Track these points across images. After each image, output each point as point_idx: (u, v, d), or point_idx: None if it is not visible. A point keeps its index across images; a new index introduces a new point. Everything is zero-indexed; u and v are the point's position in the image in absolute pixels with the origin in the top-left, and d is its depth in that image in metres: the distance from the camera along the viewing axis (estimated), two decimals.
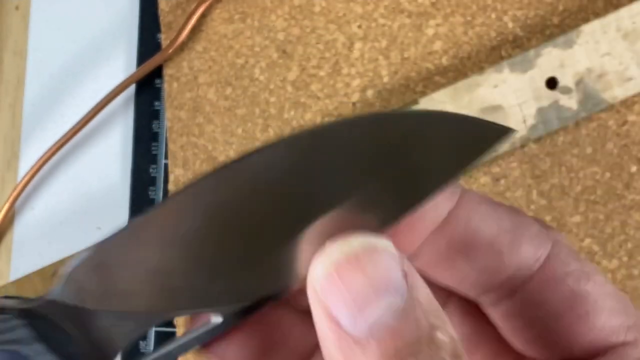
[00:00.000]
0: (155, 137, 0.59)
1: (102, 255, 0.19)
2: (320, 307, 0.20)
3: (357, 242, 0.20)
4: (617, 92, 0.51)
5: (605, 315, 0.22)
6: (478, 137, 0.21)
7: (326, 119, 0.55)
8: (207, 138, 0.57)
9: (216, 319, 0.21)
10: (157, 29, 0.59)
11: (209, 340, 0.22)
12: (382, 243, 0.20)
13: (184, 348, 0.21)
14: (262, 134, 0.56)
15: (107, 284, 0.19)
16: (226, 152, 0.56)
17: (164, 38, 0.59)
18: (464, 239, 0.23)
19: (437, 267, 0.23)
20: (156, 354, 0.21)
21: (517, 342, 0.24)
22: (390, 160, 0.20)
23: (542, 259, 0.23)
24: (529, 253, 0.23)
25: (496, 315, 0.24)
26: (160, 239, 0.19)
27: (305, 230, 0.20)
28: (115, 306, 0.19)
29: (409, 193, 0.21)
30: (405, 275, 0.20)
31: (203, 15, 0.58)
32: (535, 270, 0.23)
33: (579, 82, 0.51)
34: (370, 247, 0.20)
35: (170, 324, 0.55)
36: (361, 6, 0.56)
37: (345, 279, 0.20)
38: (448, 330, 0.19)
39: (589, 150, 0.52)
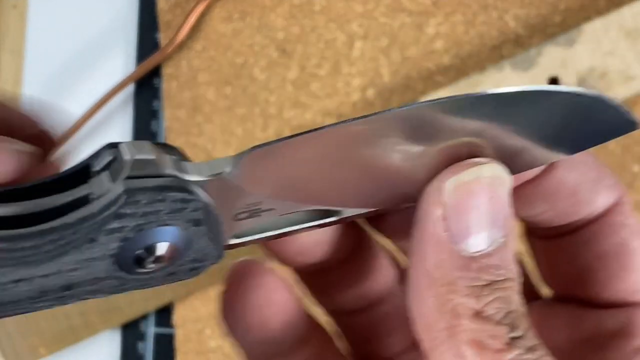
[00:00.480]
0: (154, 136, 0.58)
1: (276, 149, 0.21)
2: (437, 212, 0.21)
3: (489, 169, 0.21)
4: (620, 92, 0.51)
5: None
6: (610, 124, 0.23)
7: (326, 119, 0.55)
8: (207, 138, 0.57)
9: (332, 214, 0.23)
10: (156, 28, 0.59)
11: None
12: (507, 178, 0.22)
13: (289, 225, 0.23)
14: (262, 134, 0.56)
15: (276, 174, 0.21)
16: (225, 152, 0.56)
17: (163, 37, 0.58)
18: (549, 185, 0.24)
19: (515, 204, 0.25)
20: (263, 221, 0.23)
21: (551, 275, 0.27)
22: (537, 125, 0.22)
23: (609, 207, 0.25)
24: (603, 202, 0.25)
25: (543, 247, 0.26)
26: (321, 153, 0.21)
27: (435, 148, 0.22)
28: (278, 194, 0.22)
29: (529, 155, 0.22)
30: (509, 217, 0.22)
31: (202, 14, 0.57)
32: (599, 215, 0.25)
33: (581, 82, 0.51)
34: (498, 179, 0.22)
35: (169, 324, 0.55)
36: (362, 5, 0.56)
37: (472, 198, 0.21)
38: (517, 280, 0.21)
39: (591, 150, 0.52)
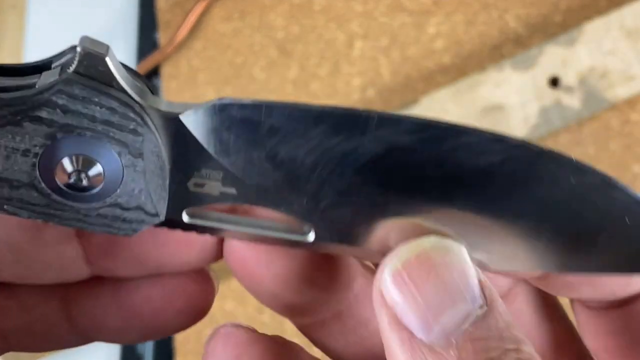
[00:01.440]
0: None
1: (260, 110, 0.19)
2: (388, 314, 0.18)
3: (428, 242, 0.18)
4: (620, 91, 0.51)
5: None
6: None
7: None
8: None
9: (310, 236, 0.20)
10: (155, 27, 0.59)
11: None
12: (456, 246, 0.19)
13: (262, 235, 0.21)
14: None
15: (245, 146, 0.19)
16: None
17: (163, 36, 0.58)
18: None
19: (558, 289, 0.22)
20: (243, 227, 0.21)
21: (598, 346, 0.23)
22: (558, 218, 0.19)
23: None
24: None
25: (590, 316, 0.23)
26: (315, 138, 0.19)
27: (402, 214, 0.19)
28: (243, 172, 0.19)
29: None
30: (483, 287, 0.18)
31: (202, 14, 0.57)
32: None
33: (582, 81, 0.51)
34: (442, 248, 0.18)
35: None
36: (362, 4, 0.56)
37: (416, 282, 0.18)
38: (529, 346, 0.18)
39: (591, 150, 0.52)
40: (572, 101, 0.51)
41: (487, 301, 0.18)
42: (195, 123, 0.19)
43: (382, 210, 0.20)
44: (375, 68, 0.55)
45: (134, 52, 0.59)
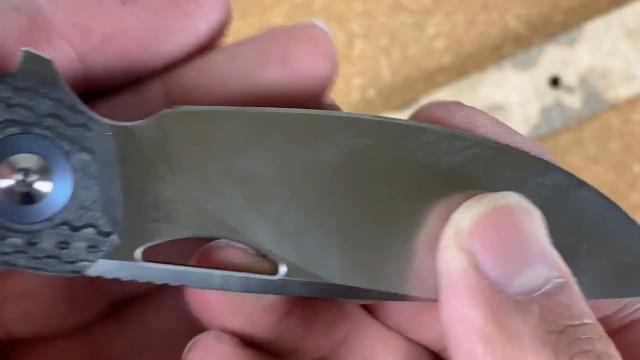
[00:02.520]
0: None
1: (208, 116, 0.18)
2: (467, 261, 0.17)
3: (513, 197, 0.17)
4: (621, 91, 0.51)
5: None
6: None
7: None
8: None
9: (281, 270, 0.18)
10: None
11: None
12: (536, 212, 0.17)
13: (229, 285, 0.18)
14: None
15: (201, 157, 0.18)
16: None
17: None
18: None
19: None
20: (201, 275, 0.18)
21: None
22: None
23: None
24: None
25: None
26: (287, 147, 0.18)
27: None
28: (201, 192, 0.18)
29: None
30: (558, 259, 0.17)
31: None
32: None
33: (582, 81, 0.51)
34: (526, 208, 0.17)
35: None
36: (362, 4, 0.56)
37: (501, 232, 0.17)
38: (598, 326, 0.17)
39: (592, 149, 0.52)
40: (573, 101, 0.51)
41: (562, 274, 0.17)
42: (146, 135, 0.18)
43: (354, 231, 0.18)
44: (375, 68, 0.55)
45: None
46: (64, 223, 0.17)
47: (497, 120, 0.19)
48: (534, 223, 0.17)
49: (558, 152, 0.52)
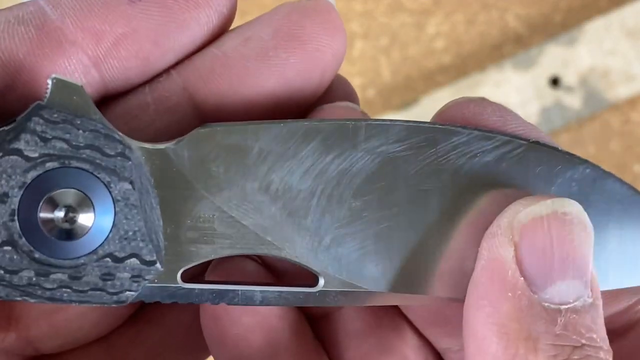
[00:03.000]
0: None
1: (241, 132, 0.18)
2: (510, 253, 0.17)
3: (576, 207, 0.17)
4: (621, 91, 0.51)
5: None
6: None
7: None
8: None
9: (320, 282, 0.18)
10: None
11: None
12: (590, 224, 0.18)
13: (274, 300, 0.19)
14: None
15: (235, 173, 0.18)
16: None
17: None
18: None
19: None
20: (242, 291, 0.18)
21: None
22: None
23: None
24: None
25: None
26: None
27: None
28: (239, 208, 0.18)
29: None
30: (593, 279, 0.18)
31: None
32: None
33: (582, 81, 0.51)
34: (584, 221, 0.17)
35: None
36: (362, 4, 0.56)
37: (553, 236, 0.17)
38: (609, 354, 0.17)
39: (591, 149, 0.52)
40: (573, 101, 0.51)
41: (594, 294, 0.17)
42: (181, 155, 0.18)
43: (389, 238, 0.18)
44: (375, 68, 0.55)
45: None
46: (107, 255, 0.17)
47: (520, 117, 0.19)
48: (586, 239, 0.17)
49: None
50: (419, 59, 0.55)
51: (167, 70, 0.20)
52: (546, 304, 0.17)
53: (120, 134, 0.17)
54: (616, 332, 0.21)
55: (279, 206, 0.18)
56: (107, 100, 0.19)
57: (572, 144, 0.52)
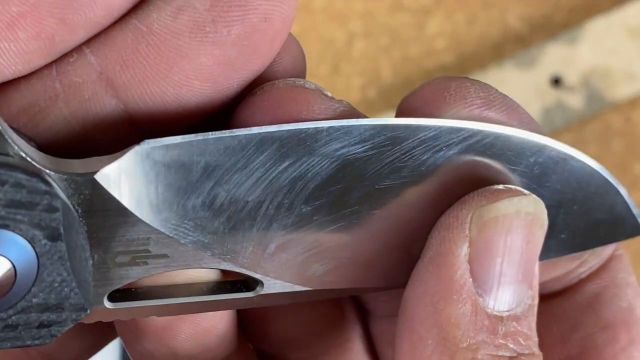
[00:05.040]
0: None
1: (177, 149, 0.16)
2: (464, 250, 0.16)
3: (532, 203, 0.16)
4: (622, 91, 0.51)
5: None
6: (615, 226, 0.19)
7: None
8: None
9: (260, 287, 0.18)
10: None
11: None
12: (546, 220, 0.17)
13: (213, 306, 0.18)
14: None
15: (174, 192, 0.16)
16: None
17: None
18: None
19: None
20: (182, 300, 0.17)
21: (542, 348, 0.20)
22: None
23: (607, 258, 0.20)
24: (604, 252, 0.20)
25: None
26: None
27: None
28: (175, 227, 0.16)
29: None
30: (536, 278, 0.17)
31: None
32: (598, 270, 0.20)
33: (584, 81, 0.51)
34: (541, 217, 0.17)
35: None
36: (362, 4, 0.56)
37: (514, 236, 0.16)
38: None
39: (593, 149, 0.52)
40: (574, 101, 0.51)
41: (532, 293, 0.17)
42: (114, 180, 0.15)
43: (338, 238, 0.17)
44: (375, 68, 0.55)
45: None
46: (29, 307, 0.15)
47: (505, 96, 0.18)
48: (541, 238, 0.17)
49: None
50: (419, 58, 0.54)
51: (78, 48, 0.17)
52: (489, 310, 0.16)
53: (44, 176, 0.15)
54: (551, 294, 0.20)
55: (222, 220, 0.17)
56: (6, 89, 0.17)
57: (573, 144, 0.52)
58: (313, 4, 0.56)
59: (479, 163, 0.17)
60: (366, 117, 0.18)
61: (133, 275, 0.17)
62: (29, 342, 0.15)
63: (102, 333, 0.21)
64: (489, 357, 0.16)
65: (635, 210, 0.19)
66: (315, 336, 0.21)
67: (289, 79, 0.17)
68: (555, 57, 0.51)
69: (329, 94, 0.17)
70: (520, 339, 0.16)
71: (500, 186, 0.17)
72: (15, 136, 0.15)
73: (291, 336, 0.21)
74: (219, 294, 0.18)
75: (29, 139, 0.16)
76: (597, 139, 0.52)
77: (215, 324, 0.19)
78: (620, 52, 0.51)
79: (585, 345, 0.19)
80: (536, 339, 0.17)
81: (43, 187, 0.15)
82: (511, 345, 0.16)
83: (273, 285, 0.18)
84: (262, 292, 0.18)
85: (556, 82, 0.51)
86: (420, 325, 0.16)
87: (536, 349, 0.16)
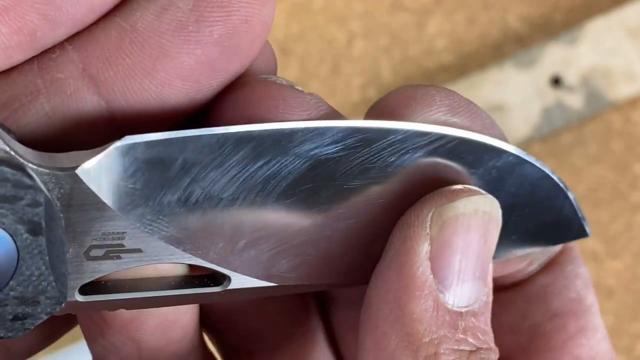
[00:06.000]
0: None
1: (156, 146, 0.16)
2: (425, 248, 0.17)
3: (488, 203, 0.17)
4: (622, 91, 0.51)
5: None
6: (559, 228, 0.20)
7: None
8: None
9: (227, 283, 0.18)
10: None
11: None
12: (500, 219, 0.18)
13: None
14: None
15: (153, 188, 0.16)
16: None
17: None
18: None
19: None
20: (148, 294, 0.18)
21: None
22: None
23: (558, 251, 0.21)
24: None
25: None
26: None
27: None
28: (151, 224, 0.16)
29: None
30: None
31: None
32: (548, 262, 0.21)
33: (583, 81, 0.51)
34: (496, 216, 0.18)
35: None
36: (362, 4, 0.56)
37: (472, 232, 0.17)
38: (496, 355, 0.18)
39: (593, 149, 0.52)
40: (574, 101, 0.51)
41: (487, 290, 0.18)
42: (95, 175, 0.16)
43: (305, 235, 0.18)
44: (375, 68, 0.55)
45: None
46: (5, 301, 0.15)
47: (471, 103, 0.19)
48: (496, 236, 0.18)
49: (559, 152, 0.52)
50: (420, 58, 0.55)
51: (61, 44, 0.17)
52: (449, 306, 0.17)
53: (28, 170, 0.15)
54: (502, 287, 0.21)
55: (196, 216, 0.17)
56: None
57: (573, 144, 0.52)
58: (313, 5, 0.56)
59: (442, 165, 0.18)
60: (336, 111, 0.18)
61: (105, 269, 0.17)
62: (1, 335, 0.16)
63: (59, 324, 0.22)
64: (450, 351, 0.16)
65: (580, 214, 0.20)
66: (277, 328, 0.22)
67: (261, 75, 0.18)
68: (555, 57, 0.51)
69: (300, 88, 0.18)
70: (478, 333, 0.17)
71: (459, 186, 0.17)
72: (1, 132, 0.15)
73: (254, 328, 0.22)
74: (187, 288, 0.18)
75: (9, 131, 0.16)
76: (597, 139, 0.52)
77: (180, 317, 0.20)
78: (620, 52, 0.51)
79: (534, 334, 0.20)
80: (492, 335, 0.17)
81: (27, 181, 0.15)
82: (470, 340, 0.17)
83: (240, 280, 0.18)
84: (229, 287, 0.18)
85: (556, 82, 0.51)
86: (384, 321, 0.17)
87: (493, 344, 0.17)
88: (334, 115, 0.18)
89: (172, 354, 0.20)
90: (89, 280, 0.17)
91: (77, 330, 0.56)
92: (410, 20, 0.55)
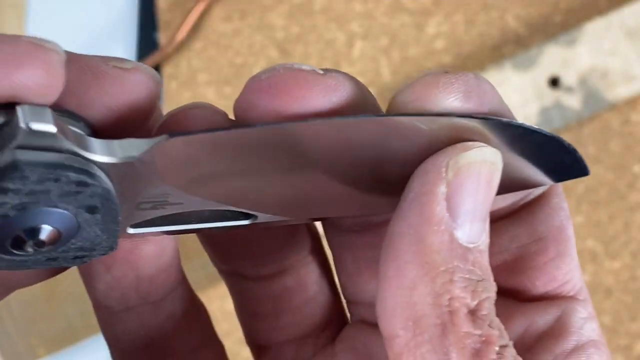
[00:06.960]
0: None
1: (197, 141, 0.19)
2: (442, 190, 0.19)
3: (493, 154, 0.20)
4: (621, 91, 0.51)
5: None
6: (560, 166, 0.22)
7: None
8: None
9: (252, 219, 0.21)
10: (155, 27, 0.59)
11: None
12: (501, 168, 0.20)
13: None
14: None
15: (192, 168, 0.19)
16: None
17: (163, 37, 0.58)
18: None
19: None
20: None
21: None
22: None
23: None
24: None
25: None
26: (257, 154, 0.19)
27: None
28: (190, 189, 0.20)
29: None
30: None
31: (202, 14, 0.57)
32: (539, 195, 0.23)
33: (582, 81, 0.51)
34: (499, 165, 0.20)
35: None
36: (362, 4, 0.56)
37: (482, 178, 0.20)
38: (494, 290, 0.20)
39: (592, 150, 0.52)
40: (573, 101, 0.51)
41: (487, 233, 0.20)
42: (149, 162, 0.19)
43: (333, 187, 0.21)
44: (375, 68, 0.55)
45: (134, 52, 0.59)
46: (69, 249, 0.19)
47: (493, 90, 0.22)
48: (497, 183, 0.20)
49: None
50: (419, 59, 0.55)
51: None
52: (461, 242, 0.19)
53: (91, 169, 0.18)
54: (498, 217, 0.24)
55: (232, 183, 0.20)
56: None
57: (572, 144, 0.52)
58: (313, 5, 0.56)
59: (458, 126, 0.20)
60: (360, 89, 0.22)
61: (152, 215, 0.20)
62: (64, 265, 0.20)
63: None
64: (462, 279, 0.19)
65: (580, 155, 0.23)
66: (277, 252, 0.25)
67: (287, 63, 0.21)
68: (553, 58, 0.51)
69: (321, 71, 0.20)
70: (483, 268, 0.20)
71: (470, 142, 0.20)
72: (68, 130, 0.18)
73: (255, 255, 0.25)
74: (221, 221, 0.21)
75: (79, 119, 0.19)
76: (596, 139, 0.52)
77: (167, 244, 0.23)
78: (618, 53, 0.51)
79: (519, 254, 0.23)
80: (491, 271, 0.20)
81: (89, 181, 0.18)
82: (478, 272, 0.19)
83: (265, 217, 0.21)
84: (252, 222, 0.21)
85: (554, 82, 0.51)
86: (406, 252, 0.19)
87: (492, 279, 0.20)
88: (359, 95, 0.22)
89: (161, 283, 0.23)
90: (138, 221, 0.20)
91: (77, 331, 0.56)
92: (410, 21, 0.55)
